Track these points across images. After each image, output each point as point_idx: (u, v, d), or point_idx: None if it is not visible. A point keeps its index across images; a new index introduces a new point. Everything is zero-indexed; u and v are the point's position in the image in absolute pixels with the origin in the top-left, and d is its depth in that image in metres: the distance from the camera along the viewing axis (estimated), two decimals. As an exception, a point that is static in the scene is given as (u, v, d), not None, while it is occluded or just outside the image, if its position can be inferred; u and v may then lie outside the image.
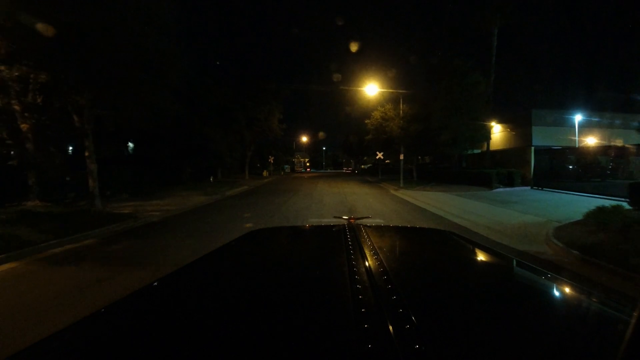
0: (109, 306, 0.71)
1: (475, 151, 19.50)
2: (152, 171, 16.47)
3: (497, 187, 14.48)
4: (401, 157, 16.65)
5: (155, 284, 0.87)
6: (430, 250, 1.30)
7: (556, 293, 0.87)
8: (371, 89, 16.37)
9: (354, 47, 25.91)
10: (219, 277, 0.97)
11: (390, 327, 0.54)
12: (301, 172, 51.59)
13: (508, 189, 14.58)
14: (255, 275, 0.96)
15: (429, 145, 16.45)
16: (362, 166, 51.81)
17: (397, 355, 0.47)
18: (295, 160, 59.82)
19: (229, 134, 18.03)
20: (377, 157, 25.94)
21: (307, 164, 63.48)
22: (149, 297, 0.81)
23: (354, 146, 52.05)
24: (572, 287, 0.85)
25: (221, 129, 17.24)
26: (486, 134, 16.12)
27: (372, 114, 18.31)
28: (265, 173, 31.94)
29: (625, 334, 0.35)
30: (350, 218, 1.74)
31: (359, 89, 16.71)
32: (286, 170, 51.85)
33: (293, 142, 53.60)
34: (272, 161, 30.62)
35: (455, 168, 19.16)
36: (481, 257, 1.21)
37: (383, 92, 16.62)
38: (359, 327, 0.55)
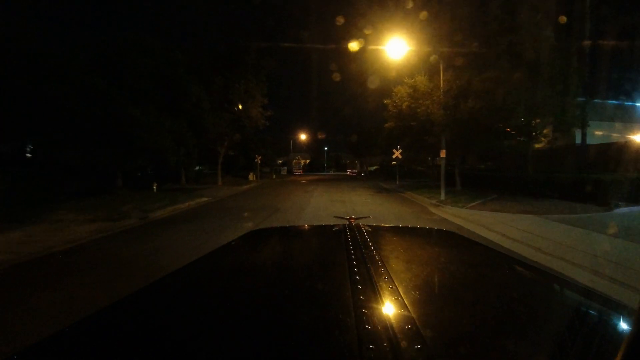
0: (109, 306, 0.72)
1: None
2: (64, 176, 10.88)
3: (618, 206, 8.64)
4: (442, 154, 10.89)
5: (155, 284, 0.86)
6: (431, 250, 1.31)
7: (557, 293, 0.88)
8: (396, 48, 10.66)
9: None
10: (219, 277, 0.98)
11: (392, 328, 0.55)
12: (299, 175, 46.03)
13: (635, 208, 8.73)
14: (255, 275, 0.98)
15: (487, 134, 10.65)
16: (368, 168, 45.98)
17: (399, 356, 0.48)
18: (294, 161, 54.14)
19: (179, 121, 12.37)
20: (394, 156, 20.25)
21: (302, 165, 57.52)
22: (149, 297, 0.81)
23: (360, 145, 46.47)
24: (573, 287, 0.89)
25: (165, 112, 11.61)
26: (582, 116, 10.29)
27: (394, 90, 12.56)
28: (251, 176, 26.33)
29: (625, 334, 0.38)
30: (350, 218, 1.70)
31: (378, 47, 11.04)
32: (281, 173, 46.25)
33: (291, 141, 48.09)
34: (259, 162, 24.97)
35: (515, 171, 13.28)
36: (482, 256, 1.23)
37: (414, 52, 10.89)
38: (360, 328, 0.56)
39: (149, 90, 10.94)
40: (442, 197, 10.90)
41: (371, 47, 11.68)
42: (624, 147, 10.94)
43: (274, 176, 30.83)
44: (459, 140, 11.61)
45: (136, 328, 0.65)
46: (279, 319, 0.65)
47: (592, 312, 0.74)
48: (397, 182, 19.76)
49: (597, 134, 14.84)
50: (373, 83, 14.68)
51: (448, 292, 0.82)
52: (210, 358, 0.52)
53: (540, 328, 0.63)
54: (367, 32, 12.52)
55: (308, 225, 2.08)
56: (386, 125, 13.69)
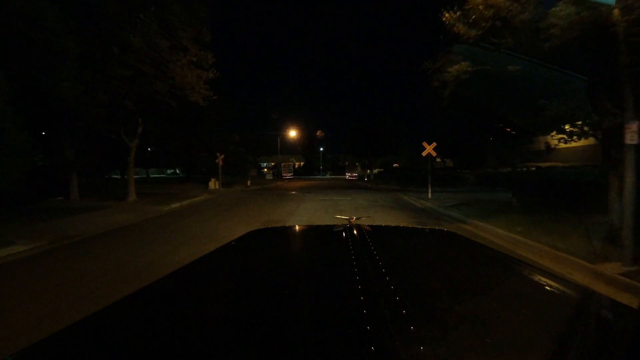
0: (109, 306, 0.73)
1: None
2: None
3: None
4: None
5: (155, 283, 0.87)
6: (432, 250, 1.32)
7: (558, 294, 0.89)
8: None
9: None
10: (220, 277, 0.99)
11: (393, 329, 0.55)
12: (288, 180, 38.95)
13: None
14: (254, 276, 0.98)
15: None
16: (369, 171, 38.89)
17: (399, 357, 0.48)
18: (283, 164, 46.85)
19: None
20: (424, 153, 13.14)
21: (294, 168, 50.06)
22: (149, 296, 0.82)
23: (361, 143, 39.08)
24: (573, 287, 0.91)
25: None
26: None
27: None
28: (212, 184, 19.01)
29: (625, 334, 0.36)
30: (350, 218, 1.73)
31: None
32: (266, 177, 38.96)
33: (278, 138, 40.84)
34: (221, 162, 17.70)
35: None
36: (482, 256, 1.24)
37: None
38: (361, 328, 0.56)
39: None
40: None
41: None
42: None
43: (248, 183, 23.53)
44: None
45: (135, 328, 0.65)
46: (278, 319, 0.66)
47: (592, 312, 0.74)
48: (430, 195, 12.62)
49: None
50: None
51: (449, 291, 0.82)
52: (210, 358, 0.52)
53: (541, 328, 0.64)
54: None
55: (308, 225, 2.10)
56: (450, 71, 6.20)
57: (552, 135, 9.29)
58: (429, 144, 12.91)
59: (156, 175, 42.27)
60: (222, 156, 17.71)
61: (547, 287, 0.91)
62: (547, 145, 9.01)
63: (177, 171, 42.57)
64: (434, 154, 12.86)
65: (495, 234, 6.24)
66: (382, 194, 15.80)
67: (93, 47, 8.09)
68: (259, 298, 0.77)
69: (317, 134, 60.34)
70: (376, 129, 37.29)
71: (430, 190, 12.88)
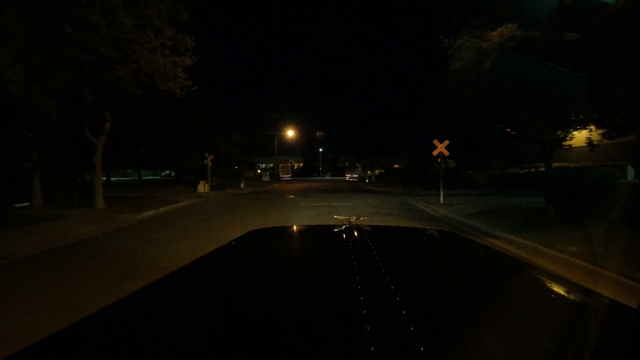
0: (109, 306, 0.72)
1: None
2: None
3: None
4: None
5: (155, 283, 0.87)
6: (432, 250, 1.31)
7: (558, 294, 0.87)
8: None
9: None
10: (219, 277, 0.98)
11: (393, 329, 0.55)
12: (287, 181, 37.69)
13: None
14: (255, 275, 0.97)
15: None
16: (370, 172, 37.48)
17: (400, 358, 0.48)
18: (281, 165, 45.37)
19: None
20: (436, 152, 11.73)
21: (292, 169, 48.77)
22: (148, 296, 0.81)
23: (368, 139, 37.25)
24: (573, 287, 0.88)
25: None
26: None
27: None
28: (201, 187, 17.59)
29: (625, 334, 0.34)
30: (350, 218, 1.75)
31: None
32: (263, 179, 37.50)
33: (276, 138, 39.27)
34: (210, 163, 16.26)
35: None
36: (482, 256, 1.22)
37: None
38: (361, 329, 0.56)
39: None
40: None
41: None
42: None
43: (242, 185, 22.07)
44: None
45: (135, 328, 0.64)
46: (278, 319, 0.65)
47: (592, 312, 0.74)
48: (442, 199, 11.19)
49: None
50: None
51: (448, 291, 0.81)
52: (211, 358, 0.52)
53: (541, 328, 0.64)
54: None
55: (308, 225, 2.01)
56: (493, 36, 4.67)
57: (591, 131, 7.93)
58: (433, 144, 11.53)
59: (149, 177, 40.85)
60: (211, 157, 16.28)
61: (547, 287, 0.91)
62: (590, 141, 7.63)
63: (171, 173, 41.22)
64: (446, 153, 11.42)
65: (540, 253, 4.82)
66: (386, 198, 14.35)
67: (41, 25, 6.69)
68: (259, 298, 0.77)
69: (317, 134, 58.86)
70: (377, 128, 35.79)
71: (442, 194, 11.46)
